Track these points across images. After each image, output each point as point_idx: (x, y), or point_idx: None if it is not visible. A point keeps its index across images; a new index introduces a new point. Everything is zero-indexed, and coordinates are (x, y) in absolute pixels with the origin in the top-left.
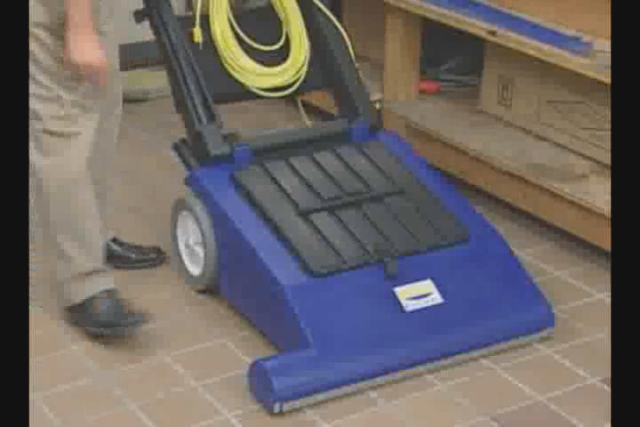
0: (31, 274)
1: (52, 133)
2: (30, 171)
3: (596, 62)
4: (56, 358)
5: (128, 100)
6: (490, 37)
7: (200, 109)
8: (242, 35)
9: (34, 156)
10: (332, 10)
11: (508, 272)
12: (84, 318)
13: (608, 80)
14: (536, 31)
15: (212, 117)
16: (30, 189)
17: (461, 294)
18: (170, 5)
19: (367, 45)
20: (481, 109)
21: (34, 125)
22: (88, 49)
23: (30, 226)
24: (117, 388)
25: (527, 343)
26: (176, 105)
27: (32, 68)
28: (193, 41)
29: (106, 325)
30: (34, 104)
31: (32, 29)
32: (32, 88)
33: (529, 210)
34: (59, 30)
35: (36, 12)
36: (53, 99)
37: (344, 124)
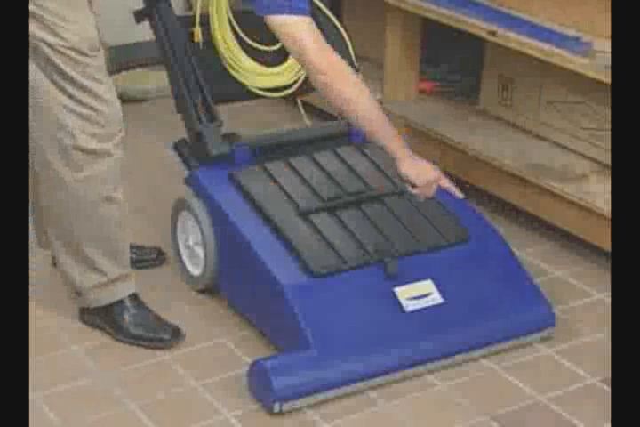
0: (31, 274)
1: (82, 150)
2: (54, 184)
3: (596, 62)
4: (56, 358)
5: (128, 100)
6: (490, 37)
7: (200, 109)
8: (242, 35)
9: (62, 171)
10: (331, 10)
11: (509, 272)
12: (107, 322)
13: (608, 80)
14: (536, 31)
15: (211, 117)
16: (55, 201)
17: (461, 295)
18: (170, 5)
19: (367, 45)
20: (481, 109)
21: (61, 139)
22: (422, 169)
23: (30, 226)
24: (117, 388)
25: (527, 343)
26: (176, 105)
27: (63, 84)
28: (193, 41)
29: (137, 338)
30: (63, 115)
31: (63, 51)
32: (63, 99)
33: (529, 210)
34: (89, 50)
35: (63, 33)
36: (88, 116)
37: (344, 124)
